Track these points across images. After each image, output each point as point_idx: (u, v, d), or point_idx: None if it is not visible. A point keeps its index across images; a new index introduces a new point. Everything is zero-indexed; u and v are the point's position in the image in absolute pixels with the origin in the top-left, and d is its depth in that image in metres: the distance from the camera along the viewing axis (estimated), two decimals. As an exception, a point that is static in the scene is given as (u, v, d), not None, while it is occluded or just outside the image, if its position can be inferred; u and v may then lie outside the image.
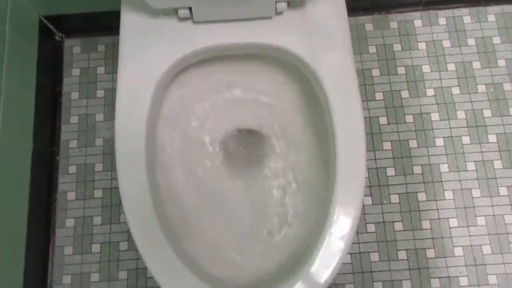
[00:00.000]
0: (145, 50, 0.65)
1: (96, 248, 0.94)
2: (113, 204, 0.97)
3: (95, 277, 0.93)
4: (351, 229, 0.60)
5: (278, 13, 0.66)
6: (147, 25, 0.66)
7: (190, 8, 0.64)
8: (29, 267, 0.85)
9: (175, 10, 0.65)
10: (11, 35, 0.83)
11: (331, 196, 0.61)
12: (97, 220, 0.96)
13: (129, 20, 0.67)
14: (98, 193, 0.97)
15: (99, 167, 0.99)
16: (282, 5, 0.64)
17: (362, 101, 0.99)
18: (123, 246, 0.94)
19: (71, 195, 0.97)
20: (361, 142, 0.62)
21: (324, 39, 0.66)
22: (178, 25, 0.66)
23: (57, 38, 1.04)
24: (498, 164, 0.96)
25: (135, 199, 0.61)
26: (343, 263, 0.91)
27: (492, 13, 1.04)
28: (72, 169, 0.99)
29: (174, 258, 0.59)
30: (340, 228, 0.59)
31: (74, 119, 1.01)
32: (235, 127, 0.77)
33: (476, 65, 1.01)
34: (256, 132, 0.76)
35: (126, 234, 0.95)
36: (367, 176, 0.96)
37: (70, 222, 0.96)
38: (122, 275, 0.93)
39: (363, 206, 0.95)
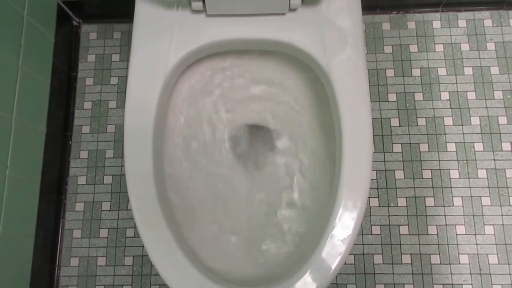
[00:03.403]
0: (157, 41, 0.66)
1: (103, 233, 0.96)
2: (122, 191, 0.98)
3: (101, 261, 0.95)
4: (353, 231, 0.59)
5: (292, 9, 0.65)
6: (160, 16, 0.67)
7: (203, 1, 0.64)
8: (38, 247, 0.87)
9: (189, 2, 0.65)
10: (29, 19, 0.84)
11: (335, 196, 0.61)
12: (106, 205, 0.98)
13: (143, 10, 0.68)
14: (108, 179, 0.99)
15: (110, 153, 1.00)
16: (296, 2, 0.63)
17: (375, 101, 0.98)
18: (130, 232, 0.96)
19: (81, 180, 0.99)
20: (368, 145, 0.62)
21: (337, 38, 0.65)
22: (191, 17, 0.66)
23: (74, 23, 1.05)
24: (510, 173, 0.94)
25: (139, 184, 0.62)
26: (346, 263, 0.92)
27: (514, 17, 1.01)
28: (84, 154, 1.00)
29: (172, 241, 0.60)
30: (342, 230, 0.59)
31: (87, 105, 1.03)
32: (244, 121, 0.77)
33: (495, 70, 0.99)
34: (265, 127, 0.76)
35: (133, 221, 0.96)
36: (375, 177, 0.95)
37: (79, 206, 0.98)
38: (128, 261, 0.95)
39: (369, 207, 0.94)
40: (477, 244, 0.91)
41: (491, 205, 0.93)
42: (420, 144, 0.96)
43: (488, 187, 0.93)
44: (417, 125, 0.97)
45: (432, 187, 0.94)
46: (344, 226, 0.59)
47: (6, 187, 0.78)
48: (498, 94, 0.97)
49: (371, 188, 0.95)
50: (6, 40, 0.78)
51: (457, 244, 0.91)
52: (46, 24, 0.92)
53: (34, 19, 0.86)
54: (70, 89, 1.02)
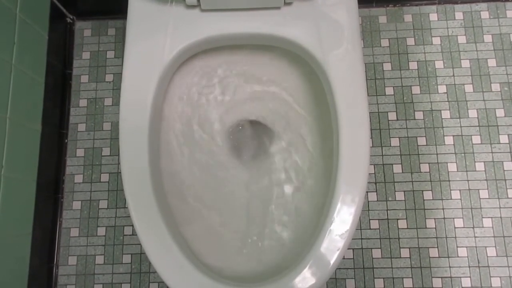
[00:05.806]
0: (152, 37, 0.65)
1: (101, 231, 0.96)
2: (119, 189, 0.98)
3: (99, 259, 0.95)
4: (351, 225, 0.59)
5: (287, 3, 0.65)
6: (154, 11, 0.66)
7: (197, -5, 0.63)
8: (35, 246, 0.87)
9: (183, -3, 0.64)
10: (22, 16, 0.83)
11: (333, 191, 0.60)
12: (103, 203, 0.97)
13: (136, 6, 0.67)
14: (104, 177, 0.98)
15: (106, 151, 0.99)
16: (291, -5, 0.63)
17: (372, 95, 0.98)
18: (128, 230, 0.96)
19: (78, 178, 0.99)
20: (365, 139, 0.61)
21: (333, 32, 0.65)
22: (185, 12, 0.66)
23: (68, 20, 1.04)
24: (508, 165, 0.93)
25: (136, 182, 0.62)
26: (345, 258, 0.92)
27: (511, 9, 1.00)
28: (80, 152, 1.00)
29: (169, 239, 0.60)
30: (341, 225, 0.59)
31: (83, 103, 1.02)
32: (241, 117, 0.76)
33: (492, 62, 0.98)
34: (262, 123, 0.76)
35: (130, 219, 0.95)
36: (373, 172, 0.95)
37: (77, 205, 0.97)
38: (126, 258, 0.94)
39: (367, 202, 0.94)
40: (475, 237, 0.91)
41: (489, 198, 0.93)
42: (418, 138, 0.96)
43: (486, 179, 0.93)
44: (415, 119, 0.97)
45: (430, 181, 0.94)
46: (342, 220, 0.59)
47: (2, 187, 0.77)
48: (496, 87, 0.97)
49: (369, 183, 0.95)
50: (-1, 38, 0.78)
51: (455, 237, 0.91)
52: (39, 21, 0.91)
53: (27, 17, 0.85)
54: (65, 87, 1.01)
